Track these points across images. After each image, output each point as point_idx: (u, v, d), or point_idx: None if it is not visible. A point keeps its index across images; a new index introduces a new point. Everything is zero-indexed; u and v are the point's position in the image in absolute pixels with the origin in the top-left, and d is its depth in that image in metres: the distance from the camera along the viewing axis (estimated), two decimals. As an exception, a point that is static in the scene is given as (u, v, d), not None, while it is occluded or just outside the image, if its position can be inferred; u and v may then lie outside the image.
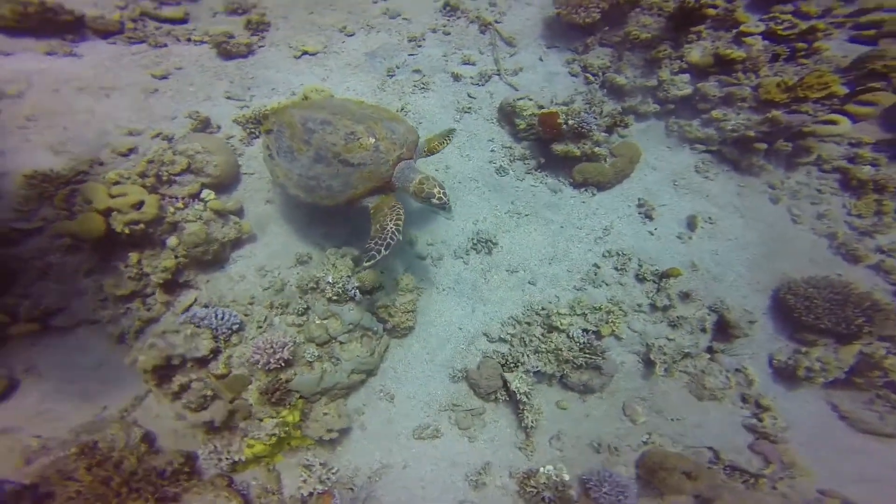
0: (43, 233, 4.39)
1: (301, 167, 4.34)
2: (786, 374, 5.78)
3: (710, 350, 5.90)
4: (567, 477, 4.57)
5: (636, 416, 5.38)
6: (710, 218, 6.70)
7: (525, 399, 4.97)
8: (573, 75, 7.38)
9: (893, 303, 5.89)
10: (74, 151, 5.01)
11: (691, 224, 6.65)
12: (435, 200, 4.29)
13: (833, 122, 7.19)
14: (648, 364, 5.69)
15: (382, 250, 4.08)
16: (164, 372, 4.04)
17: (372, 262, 4.06)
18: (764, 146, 7.10)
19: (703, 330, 5.92)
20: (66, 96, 5.57)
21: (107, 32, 6.41)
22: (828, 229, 6.70)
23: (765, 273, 6.32)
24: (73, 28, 6.20)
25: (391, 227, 4.17)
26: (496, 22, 7.67)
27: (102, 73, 6.04)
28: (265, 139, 4.75)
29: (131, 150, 5.26)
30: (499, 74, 7.27)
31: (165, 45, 6.65)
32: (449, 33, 7.57)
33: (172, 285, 4.61)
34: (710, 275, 6.27)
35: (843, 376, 5.64)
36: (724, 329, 5.93)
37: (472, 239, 6.08)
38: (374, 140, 4.22)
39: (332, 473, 4.23)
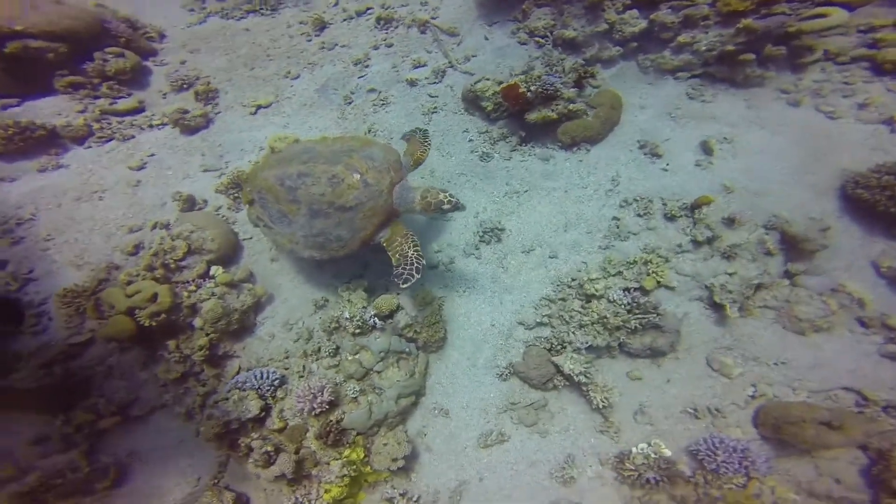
0: (95, 342, 4.70)
1: (302, 227, 4.06)
2: (908, 283, 4.39)
3: (787, 275, 4.63)
4: (668, 452, 3.63)
5: (728, 369, 4.09)
6: (725, 138, 5.69)
7: (584, 379, 3.87)
8: (523, 44, 6.76)
9: None
10: (92, 261, 5.18)
11: (706, 149, 5.63)
12: (446, 206, 4.03)
13: (822, 16, 6.25)
14: (717, 308, 4.48)
15: (415, 273, 3.92)
16: (231, 437, 4.18)
17: (408, 284, 3.90)
18: (752, 56, 6.16)
19: (768, 253, 4.72)
20: (68, 209, 5.66)
21: (80, 138, 6.35)
22: (880, 116, 5.54)
23: (818, 175, 5.16)
24: (51, 141, 6.23)
25: (412, 254, 4.00)
26: (433, 18, 7.21)
27: (89, 178, 5.98)
28: (251, 211, 4.50)
29: (137, 247, 5.29)
30: (452, 67, 6.69)
31: (133, 137, 6.50)
32: (391, 45, 7.13)
33: (215, 359, 4.68)
34: (750, 192, 5.15)
35: None
36: (793, 246, 4.69)
37: (478, 232, 5.30)
38: (358, 176, 3.91)
39: (415, 502, 4.01)
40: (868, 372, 3.94)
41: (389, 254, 4.04)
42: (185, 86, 6.88)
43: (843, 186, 4.95)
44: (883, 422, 3.56)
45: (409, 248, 4.00)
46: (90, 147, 6.30)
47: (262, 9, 8.04)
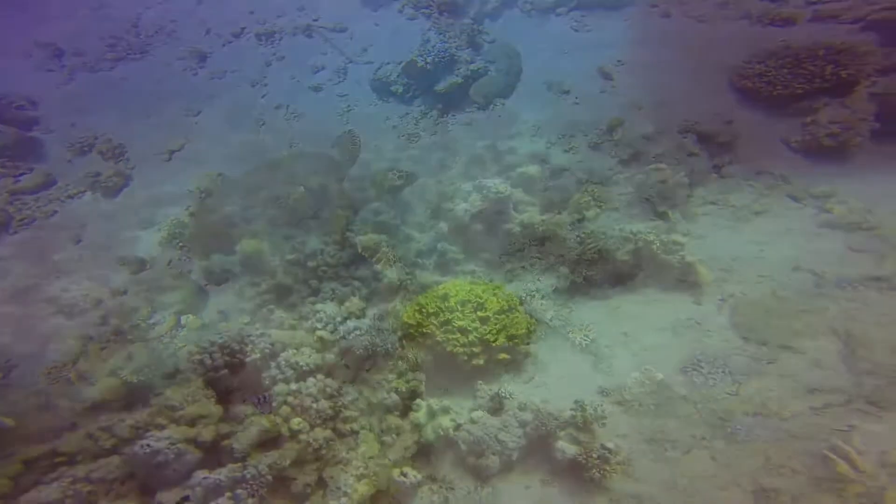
0: (102, 405, 4.07)
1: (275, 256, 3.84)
2: (815, 150, 4.25)
3: (715, 168, 4.45)
4: (660, 375, 3.34)
5: (694, 275, 3.78)
6: (618, 61, 5.45)
7: (559, 322, 3.61)
8: (412, 19, 6.24)
9: (847, 40, 4.49)
10: (67, 337, 4.63)
11: (605, 75, 5.37)
12: (399, 182, 3.93)
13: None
14: (664, 217, 4.23)
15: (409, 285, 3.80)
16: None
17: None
18: (606, -23, 5.87)
19: (691, 154, 4.52)
20: (24, 301, 4.85)
21: (1, 225, 5.33)
22: (739, 11, 5.43)
23: (708, 75, 5.01)
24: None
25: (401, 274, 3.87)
26: (314, 21, 6.45)
27: (35, 264, 5.07)
28: (208, 265, 4.30)
29: (105, 317, 4.69)
30: (351, 62, 5.96)
31: (56, 212, 5.52)
32: (283, 57, 6.36)
33: (222, 395, 4.08)
34: (656, 104, 4.99)
35: (877, 126, 4.16)
36: (709, 143, 4.52)
37: (428, 211, 4.68)
38: (302, 187, 3.73)
39: (445, 483, 3.59)
40: (812, 246, 3.76)
41: (380, 267, 3.87)
42: (86, 148, 5.86)
43: (731, 81, 4.83)
44: (838, 298, 3.36)
45: (392, 262, 3.86)
46: (17, 233, 5.32)
47: (129, 55, 6.95)
